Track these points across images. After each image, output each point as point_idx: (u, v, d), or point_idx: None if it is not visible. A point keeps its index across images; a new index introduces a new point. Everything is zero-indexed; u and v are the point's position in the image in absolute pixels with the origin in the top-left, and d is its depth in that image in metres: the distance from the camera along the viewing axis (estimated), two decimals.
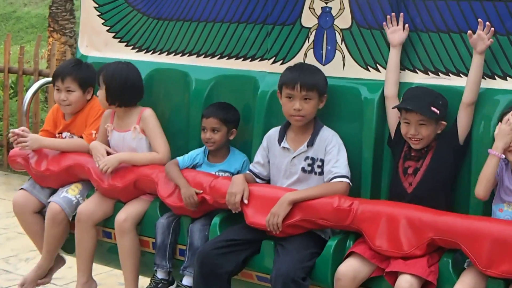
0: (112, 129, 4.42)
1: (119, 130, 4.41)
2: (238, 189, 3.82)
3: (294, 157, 3.90)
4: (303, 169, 3.88)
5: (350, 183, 3.76)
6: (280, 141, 3.94)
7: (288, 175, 3.92)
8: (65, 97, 4.55)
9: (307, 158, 3.88)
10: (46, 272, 4.67)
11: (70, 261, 4.78)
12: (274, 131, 4.00)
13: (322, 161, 3.84)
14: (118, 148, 4.40)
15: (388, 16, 3.78)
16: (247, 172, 4.03)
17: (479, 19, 3.54)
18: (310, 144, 3.87)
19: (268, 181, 4.02)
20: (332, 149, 3.82)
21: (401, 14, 3.77)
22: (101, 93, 4.36)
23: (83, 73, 4.55)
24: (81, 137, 4.56)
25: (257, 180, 4.00)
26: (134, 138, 4.35)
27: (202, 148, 4.28)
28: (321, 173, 3.85)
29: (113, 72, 4.35)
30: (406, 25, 3.76)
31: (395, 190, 3.73)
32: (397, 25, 3.78)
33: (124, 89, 4.35)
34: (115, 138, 4.42)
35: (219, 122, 4.17)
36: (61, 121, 4.66)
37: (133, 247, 4.23)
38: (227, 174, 4.16)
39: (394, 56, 3.79)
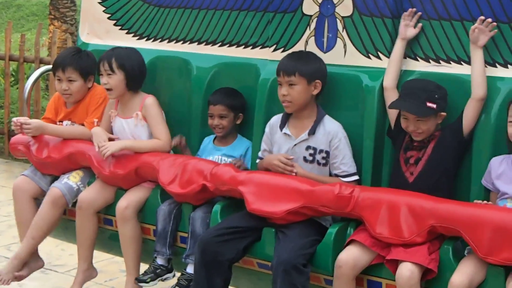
0: (116, 115, 4.43)
1: (122, 117, 4.42)
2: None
3: (295, 145, 3.91)
4: (305, 159, 3.89)
5: (358, 177, 3.83)
6: (282, 127, 3.95)
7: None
8: (67, 87, 4.54)
9: (308, 147, 3.88)
10: (22, 264, 4.54)
11: (71, 248, 4.80)
12: (276, 118, 4.01)
13: (327, 153, 3.86)
14: (120, 134, 4.41)
15: (410, 10, 3.77)
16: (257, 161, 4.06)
17: (481, 17, 3.54)
18: (312, 132, 3.87)
19: None
20: (338, 143, 3.83)
21: (419, 13, 3.76)
22: (117, 79, 4.33)
23: (83, 62, 4.54)
24: (83, 125, 4.56)
25: None
26: (136, 124, 4.36)
27: (208, 138, 4.34)
28: (326, 164, 3.87)
29: (129, 57, 4.37)
30: (420, 24, 3.76)
31: (397, 180, 3.73)
32: (410, 20, 3.78)
33: (141, 72, 4.42)
34: (117, 124, 4.43)
35: (226, 108, 4.21)
36: (62, 109, 4.66)
37: (135, 234, 4.24)
38: (230, 158, 4.18)
39: (399, 48, 3.79)
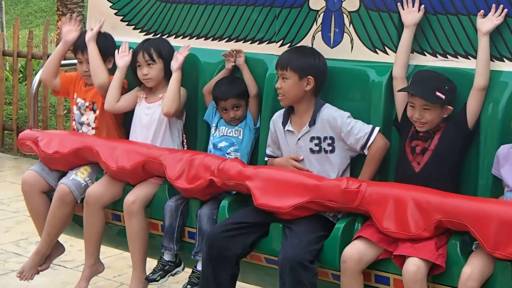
0: (143, 97, 4.46)
1: (148, 102, 4.46)
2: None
3: (299, 139, 3.92)
4: (312, 150, 3.90)
5: (379, 129, 3.78)
6: (284, 124, 3.97)
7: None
8: (87, 68, 4.58)
9: (312, 138, 3.89)
10: (44, 258, 4.64)
11: (80, 244, 4.81)
12: (278, 115, 4.03)
13: (332, 138, 3.85)
14: (141, 116, 4.44)
15: None
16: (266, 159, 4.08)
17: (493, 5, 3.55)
18: (312, 123, 3.89)
19: None
20: (342, 123, 3.83)
21: None
22: (157, 68, 4.38)
23: (102, 43, 4.58)
24: (94, 103, 4.59)
25: None
26: (160, 105, 4.37)
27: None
28: (332, 150, 3.87)
29: (164, 46, 4.43)
30: (422, 6, 3.76)
31: (403, 169, 3.73)
32: (413, 6, 3.77)
33: None
34: (142, 106, 4.45)
35: (238, 99, 4.23)
36: (81, 88, 4.69)
37: (141, 229, 4.24)
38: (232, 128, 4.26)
39: (406, 37, 3.79)
